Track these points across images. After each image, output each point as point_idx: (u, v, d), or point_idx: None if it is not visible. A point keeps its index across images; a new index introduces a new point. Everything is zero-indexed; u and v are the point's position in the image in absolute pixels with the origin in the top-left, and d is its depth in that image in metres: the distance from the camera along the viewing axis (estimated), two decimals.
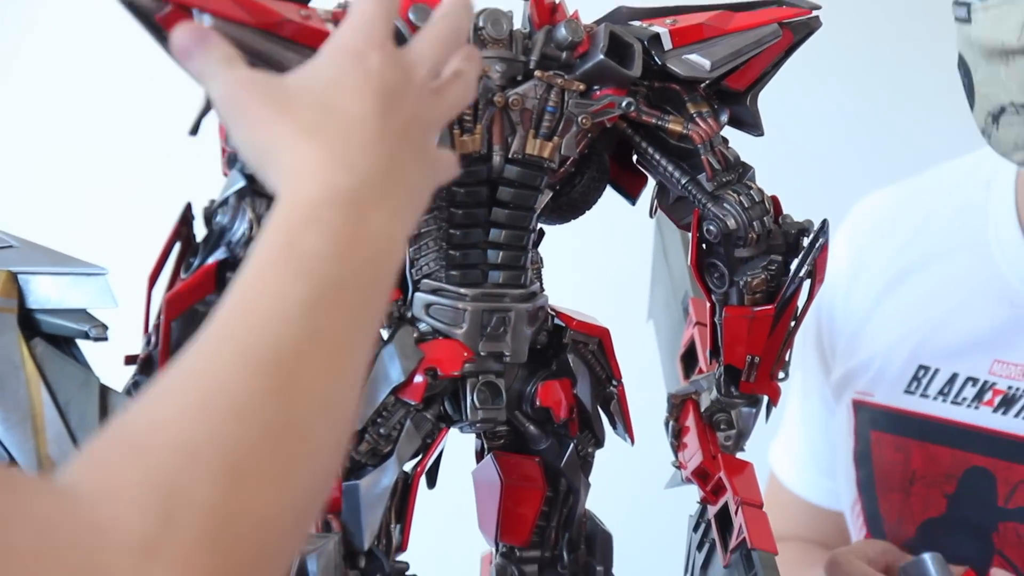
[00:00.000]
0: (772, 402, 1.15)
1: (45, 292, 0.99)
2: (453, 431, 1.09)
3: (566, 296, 1.16)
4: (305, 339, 0.73)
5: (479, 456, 1.14)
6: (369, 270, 0.78)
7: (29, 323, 0.98)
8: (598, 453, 1.13)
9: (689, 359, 1.26)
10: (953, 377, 1.40)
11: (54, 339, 0.99)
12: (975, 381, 1.38)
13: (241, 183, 0.96)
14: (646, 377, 1.33)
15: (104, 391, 0.96)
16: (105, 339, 0.97)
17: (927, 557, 1.23)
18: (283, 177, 0.80)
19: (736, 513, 1.09)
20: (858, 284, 1.51)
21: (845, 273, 1.52)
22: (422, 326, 1.05)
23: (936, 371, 1.41)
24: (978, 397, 1.37)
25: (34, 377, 0.96)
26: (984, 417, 1.37)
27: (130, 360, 1.00)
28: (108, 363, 1.01)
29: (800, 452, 1.59)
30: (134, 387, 0.99)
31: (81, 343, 1.01)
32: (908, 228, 1.51)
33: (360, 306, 0.77)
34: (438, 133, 0.88)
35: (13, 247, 1.02)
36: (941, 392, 1.40)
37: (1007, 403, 1.35)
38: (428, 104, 0.86)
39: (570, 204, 1.11)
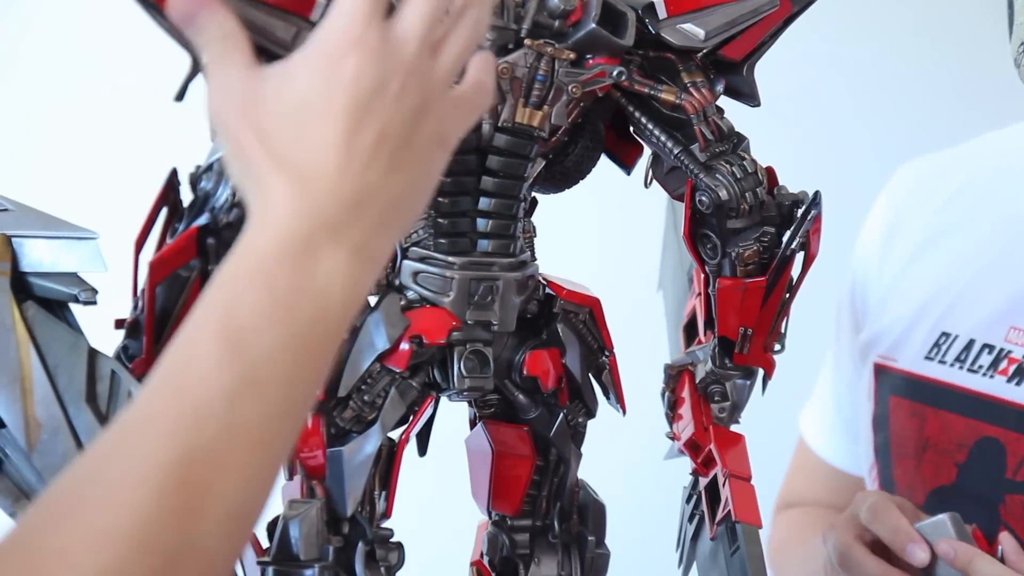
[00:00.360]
0: (767, 374, 1.15)
1: (38, 256, 1.00)
2: (444, 400, 1.09)
3: (581, 267, 1.16)
4: (223, 439, 0.73)
5: (472, 425, 1.14)
6: (312, 329, 0.76)
7: (22, 286, 0.99)
8: (598, 424, 1.13)
9: (691, 330, 1.25)
10: (970, 343, 1.39)
11: (47, 302, 0.99)
12: (991, 348, 1.37)
13: None
14: (658, 348, 1.33)
15: (93, 354, 0.97)
16: (94, 303, 0.98)
17: (946, 517, 1.22)
18: (251, 210, 0.79)
19: (723, 485, 1.09)
20: (893, 246, 1.50)
21: (881, 234, 1.51)
22: (410, 294, 1.05)
23: (956, 337, 1.40)
24: (993, 365, 1.36)
25: (24, 340, 0.97)
26: (998, 387, 1.36)
27: (120, 324, 1.01)
28: (101, 327, 1.02)
29: (829, 416, 1.58)
30: (123, 351, 1.00)
31: (74, 307, 1.01)
32: (945, 193, 1.49)
33: (293, 378, 0.76)
34: (455, 138, 0.85)
35: (8, 211, 1.03)
36: (958, 359, 1.39)
37: (1021, 373, 1.34)
38: (438, 109, 0.83)
39: (563, 173, 1.11)
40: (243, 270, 0.76)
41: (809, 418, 1.61)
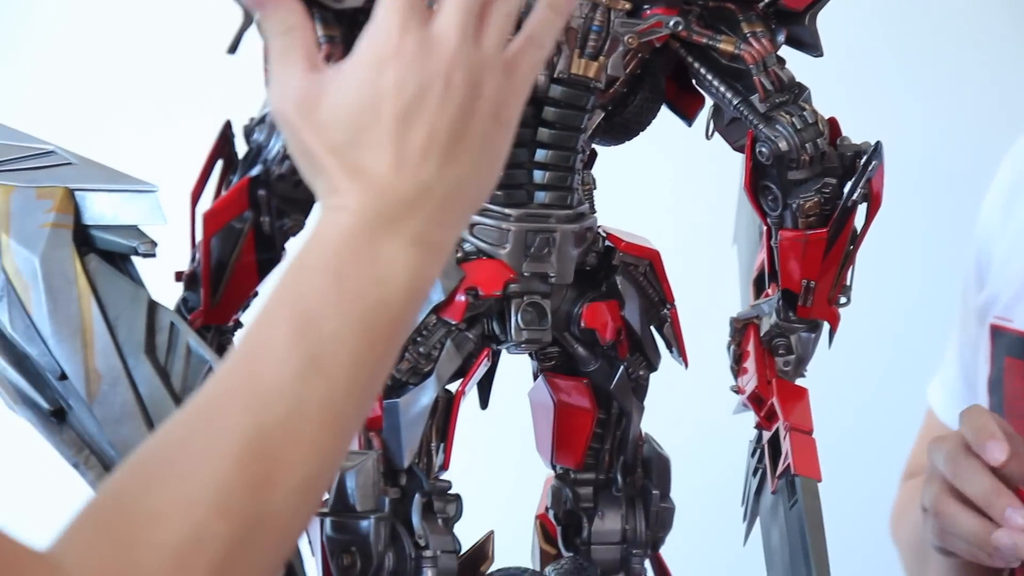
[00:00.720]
0: (832, 328, 1.14)
1: (100, 209, 1.01)
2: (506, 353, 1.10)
3: (655, 219, 1.15)
4: (293, 417, 0.77)
5: (536, 378, 1.14)
6: (376, 314, 0.79)
7: (85, 239, 1.00)
8: (663, 378, 1.13)
9: (761, 283, 1.24)
10: None
11: (110, 255, 1.00)
12: None
13: None
14: (734, 302, 1.33)
15: (153, 306, 0.98)
16: (153, 255, 0.99)
17: None
18: (319, 200, 0.82)
19: (784, 439, 1.08)
20: (1015, 205, 1.47)
21: (1004, 194, 1.49)
22: (466, 246, 1.05)
23: None
24: None
25: (86, 292, 0.97)
26: None
27: (179, 276, 1.02)
28: (165, 279, 1.04)
29: (954, 383, 1.55)
30: (183, 303, 1.01)
31: (136, 260, 1.02)
32: None
33: (359, 360, 0.79)
34: (517, 108, 0.85)
35: (72, 164, 1.04)
36: None
37: None
38: (490, 88, 0.83)
39: (623, 125, 1.11)
40: (311, 259, 0.80)
41: (936, 385, 1.58)
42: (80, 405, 0.96)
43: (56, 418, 0.97)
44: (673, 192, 1.99)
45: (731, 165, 1.34)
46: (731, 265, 1.38)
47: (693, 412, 1.64)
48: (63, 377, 0.96)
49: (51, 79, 2.07)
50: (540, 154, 1.05)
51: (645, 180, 1.79)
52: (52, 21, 2.09)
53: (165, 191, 0.99)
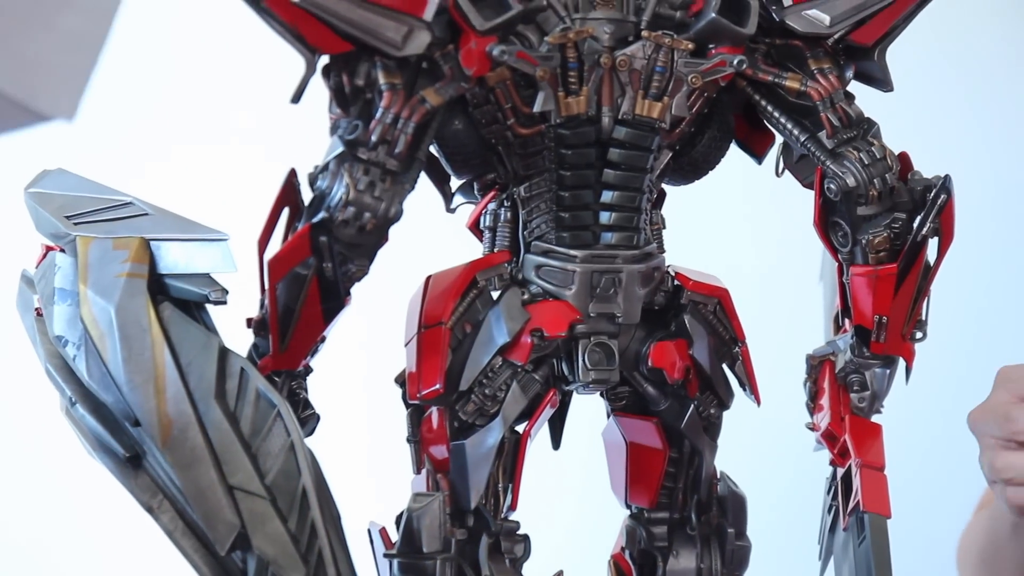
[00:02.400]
0: (907, 363, 1.13)
1: (174, 258, 1.02)
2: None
3: (744, 259, 1.15)
4: None
5: (609, 417, 1.14)
6: None
7: (160, 287, 1.02)
8: (738, 416, 1.13)
9: (840, 320, 1.24)
10: None
11: (184, 303, 1.02)
12: None
13: (341, 148, 0.98)
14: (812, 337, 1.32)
15: (224, 353, 0.99)
16: (224, 302, 1.00)
17: None
18: None
19: (855, 475, 1.07)
20: None
21: None
22: (532, 288, 1.06)
23: None
24: None
25: (159, 340, 0.99)
26: None
27: (250, 322, 1.03)
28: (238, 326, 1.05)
29: None
30: (254, 349, 1.03)
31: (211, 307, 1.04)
32: None
33: None
34: None
35: (148, 215, 1.06)
36: None
37: None
38: None
39: (691, 164, 1.11)
40: None
41: None
42: (153, 450, 0.97)
43: (131, 464, 0.99)
44: (746, 229, 1.98)
45: (806, 202, 1.33)
46: (807, 301, 1.38)
47: (769, 450, 1.63)
48: (137, 423, 0.98)
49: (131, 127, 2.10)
50: (606, 195, 1.05)
51: (731, 219, 1.79)
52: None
53: (236, 239, 1.00)
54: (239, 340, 1.02)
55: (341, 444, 1.18)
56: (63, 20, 0.83)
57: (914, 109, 1.70)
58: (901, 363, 1.14)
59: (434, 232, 1.17)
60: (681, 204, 1.16)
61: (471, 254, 1.09)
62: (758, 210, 1.87)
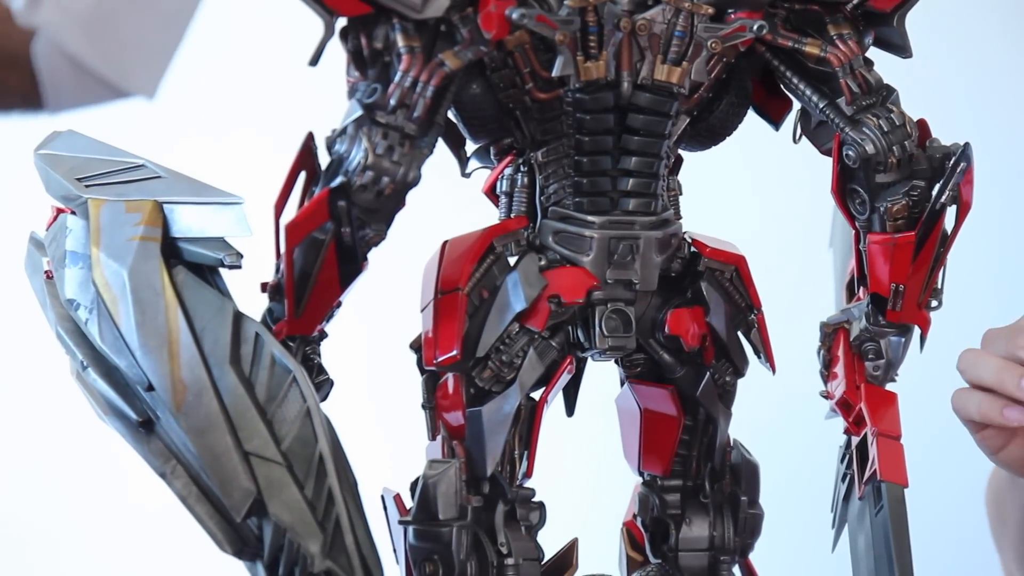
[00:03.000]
0: (923, 332, 1.12)
1: (187, 222, 1.01)
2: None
3: (752, 225, 1.14)
4: None
5: (623, 384, 1.14)
6: None
7: (173, 251, 1.01)
8: (752, 384, 1.12)
9: (853, 287, 1.23)
10: None
11: (197, 267, 1.01)
12: None
13: (359, 112, 0.97)
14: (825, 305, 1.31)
15: (238, 317, 0.98)
16: (239, 267, 0.99)
17: None
18: None
19: (871, 444, 1.07)
20: None
21: None
22: (550, 254, 1.05)
23: None
24: None
25: (173, 304, 0.98)
26: None
27: (265, 287, 1.03)
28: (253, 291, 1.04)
29: None
30: (269, 314, 1.02)
31: (224, 271, 1.03)
32: None
33: None
34: None
35: (160, 177, 1.05)
36: None
37: None
38: None
39: (708, 130, 1.10)
40: None
41: None
42: (167, 416, 0.97)
43: (144, 429, 0.98)
44: (768, 196, 1.97)
45: (825, 168, 1.33)
46: (822, 269, 1.37)
47: (783, 418, 1.62)
48: (150, 388, 0.97)
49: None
50: (624, 161, 1.04)
51: (739, 185, 1.78)
52: None
53: (251, 203, 0.99)
54: (251, 306, 1.01)
55: (354, 410, 1.18)
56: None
57: (933, 76, 1.69)
58: (916, 332, 1.13)
59: (448, 197, 1.16)
60: (693, 170, 1.15)
61: (485, 220, 1.08)
62: (768, 177, 1.87)
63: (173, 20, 0.83)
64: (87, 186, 1.05)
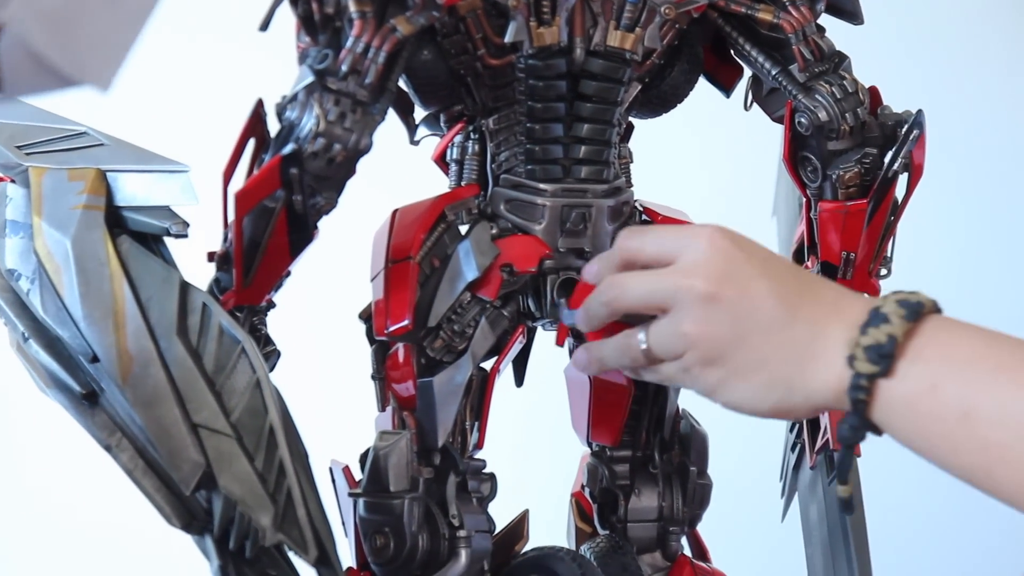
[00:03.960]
0: None
1: (132, 190, 1.00)
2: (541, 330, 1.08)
3: (696, 193, 1.13)
4: None
5: (572, 354, 1.13)
6: None
7: (117, 220, 0.99)
8: None
9: (800, 255, 1.23)
10: None
11: (142, 236, 0.99)
12: None
13: (310, 78, 0.95)
14: None
15: (184, 287, 0.96)
16: (185, 236, 0.98)
17: None
18: None
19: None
20: None
21: None
22: (501, 222, 1.04)
23: None
24: None
25: (118, 273, 0.96)
26: None
27: (212, 256, 1.01)
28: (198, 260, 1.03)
29: None
30: (216, 284, 1.00)
31: (169, 241, 1.01)
32: None
33: None
34: None
35: (104, 145, 1.03)
36: None
37: None
38: None
39: (660, 97, 1.09)
40: None
41: None
42: (112, 388, 0.95)
43: (88, 401, 0.96)
44: (711, 164, 1.97)
45: (770, 137, 1.32)
46: (770, 238, 1.37)
47: None
48: (95, 360, 0.96)
49: None
50: (576, 128, 1.03)
51: (683, 153, 1.77)
52: None
53: (197, 171, 0.98)
54: (194, 275, 1.00)
55: (302, 381, 1.16)
56: None
57: (884, 43, 1.69)
58: None
59: (396, 165, 1.14)
60: (643, 138, 1.14)
61: (435, 188, 1.07)
62: (716, 145, 1.87)
63: (133, 15, 0.83)
64: (28, 154, 1.03)
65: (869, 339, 0.86)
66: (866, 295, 0.90)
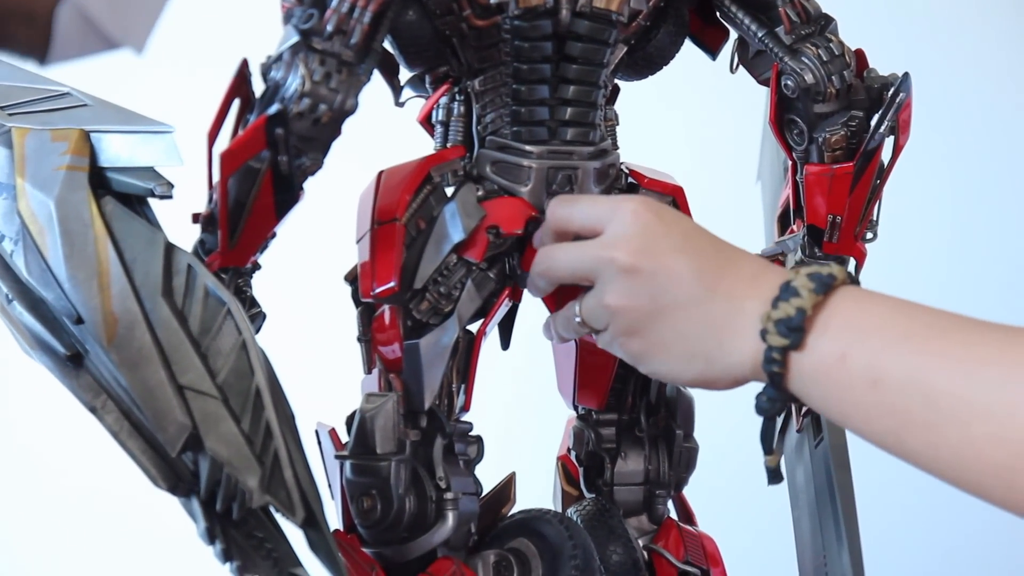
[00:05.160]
0: (858, 263, 1.12)
1: (116, 151, 0.99)
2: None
3: (682, 157, 1.13)
4: None
5: None
6: None
7: (101, 181, 0.98)
8: None
9: (786, 220, 1.23)
10: None
11: (126, 197, 0.99)
12: None
13: (295, 38, 0.95)
14: (758, 240, 1.31)
15: (169, 249, 0.96)
16: (170, 197, 0.97)
17: None
18: None
19: None
20: None
21: None
22: (487, 184, 1.03)
23: None
24: None
25: (102, 235, 0.96)
26: None
27: (197, 218, 1.00)
28: (181, 222, 1.02)
29: None
30: (200, 245, 1.00)
31: (153, 202, 1.01)
32: None
33: None
34: None
35: (87, 105, 1.02)
36: None
37: None
38: None
39: (646, 59, 1.09)
40: None
41: None
42: (97, 349, 0.94)
43: (73, 363, 0.96)
44: (697, 127, 1.97)
45: (755, 100, 1.32)
46: (755, 201, 1.37)
47: None
48: (79, 321, 0.95)
49: None
50: (562, 90, 1.03)
51: (668, 115, 1.77)
52: None
53: (182, 131, 0.97)
54: (179, 236, 0.99)
55: (287, 343, 1.16)
56: None
57: (870, 6, 1.69)
58: (852, 263, 1.13)
59: (381, 126, 1.14)
60: (629, 100, 1.14)
61: (420, 150, 1.06)
62: (702, 108, 1.87)
63: None
64: (10, 114, 1.02)
65: (780, 313, 0.88)
66: (785, 269, 0.91)
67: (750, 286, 0.91)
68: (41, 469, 1.94)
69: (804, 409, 1.08)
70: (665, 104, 1.52)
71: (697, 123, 1.95)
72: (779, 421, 1.13)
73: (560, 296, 1.02)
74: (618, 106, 1.13)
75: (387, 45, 1.03)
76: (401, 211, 1.00)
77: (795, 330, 0.87)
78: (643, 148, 1.14)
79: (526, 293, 1.07)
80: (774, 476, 0.96)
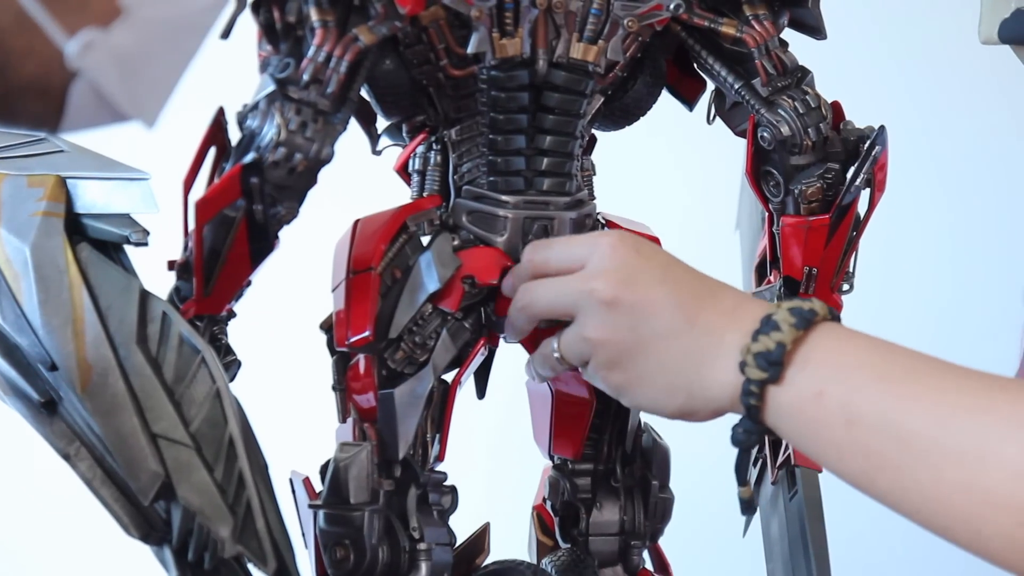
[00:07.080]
0: None
1: (92, 197, 0.99)
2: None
3: (660, 207, 1.13)
4: None
5: None
6: None
7: (77, 228, 0.98)
8: None
9: (763, 270, 1.23)
10: None
11: (101, 244, 0.99)
12: None
13: (271, 87, 0.95)
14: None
15: (144, 296, 0.96)
16: (146, 244, 0.97)
17: None
18: None
19: None
20: None
21: None
22: (463, 234, 1.03)
23: None
24: None
25: (77, 281, 0.96)
26: None
27: (172, 265, 1.00)
28: (158, 269, 1.02)
29: None
30: (176, 293, 1.00)
31: (129, 249, 1.01)
32: None
33: None
34: None
35: (63, 151, 1.03)
36: None
37: None
38: None
39: (623, 110, 1.09)
40: None
41: None
42: (71, 396, 0.94)
43: (47, 409, 0.96)
44: (674, 177, 1.97)
45: (733, 150, 1.32)
46: (733, 251, 1.37)
47: None
48: (53, 368, 0.95)
49: None
50: (539, 140, 1.03)
51: (646, 166, 1.78)
52: None
53: (158, 179, 0.97)
54: (154, 283, 0.99)
55: (262, 392, 1.15)
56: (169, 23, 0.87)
57: (846, 58, 1.69)
58: None
59: (358, 175, 1.14)
60: (607, 151, 1.14)
61: (396, 199, 1.06)
62: (680, 158, 1.87)
63: (183, 58, 0.87)
64: None
65: (759, 346, 0.88)
66: (766, 302, 0.92)
67: (730, 318, 0.91)
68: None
69: (779, 461, 1.08)
70: (642, 154, 1.53)
71: (674, 173, 1.96)
72: (753, 473, 1.14)
73: (538, 339, 1.02)
74: (595, 156, 1.13)
75: (364, 94, 1.03)
76: (376, 260, 1.00)
77: (774, 364, 0.87)
78: (620, 198, 1.14)
79: (502, 341, 1.07)
80: (747, 507, 0.96)
